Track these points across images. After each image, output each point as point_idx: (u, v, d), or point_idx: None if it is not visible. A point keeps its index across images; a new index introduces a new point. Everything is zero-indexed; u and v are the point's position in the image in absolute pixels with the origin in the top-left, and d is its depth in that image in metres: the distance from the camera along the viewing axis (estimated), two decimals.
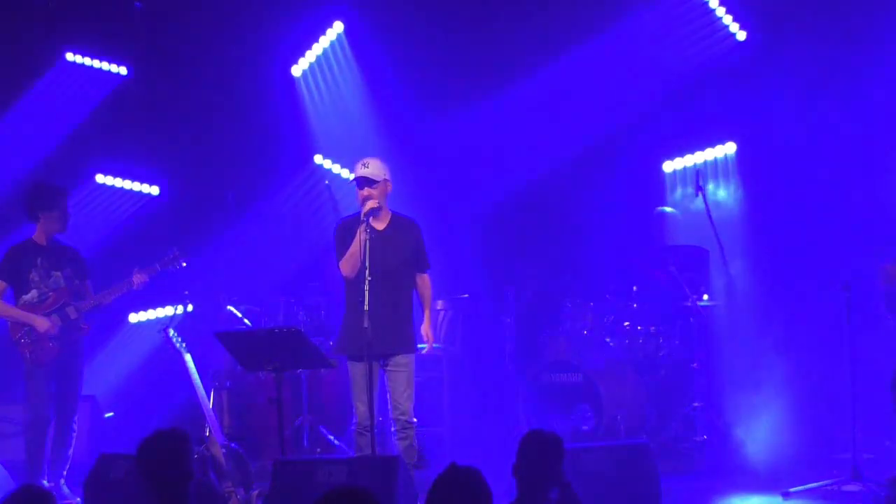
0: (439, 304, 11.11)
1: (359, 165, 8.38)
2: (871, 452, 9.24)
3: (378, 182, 8.34)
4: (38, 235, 9.37)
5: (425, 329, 8.61)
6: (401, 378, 8.37)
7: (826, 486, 8.48)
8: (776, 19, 11.43)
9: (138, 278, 9.35)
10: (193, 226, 12.10)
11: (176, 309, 10.33)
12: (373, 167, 8.36)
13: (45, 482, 9.01)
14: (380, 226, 8.41)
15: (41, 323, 9.16)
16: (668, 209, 11.51)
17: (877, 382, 9.27)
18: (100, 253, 11.53)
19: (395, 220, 8.52)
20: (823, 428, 10.49)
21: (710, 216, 11.24)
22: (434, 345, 8.91)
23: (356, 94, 12.73)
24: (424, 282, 8.64)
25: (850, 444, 8.67)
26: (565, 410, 10.64)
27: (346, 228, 8.38)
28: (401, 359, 8.39)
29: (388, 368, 8.39)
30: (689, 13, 11.78)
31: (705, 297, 10.85)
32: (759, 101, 11.60)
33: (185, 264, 9.48)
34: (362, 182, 8.33)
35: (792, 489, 8.54)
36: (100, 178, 12.19)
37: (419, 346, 8.59)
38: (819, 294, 9.18)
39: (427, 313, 8.67)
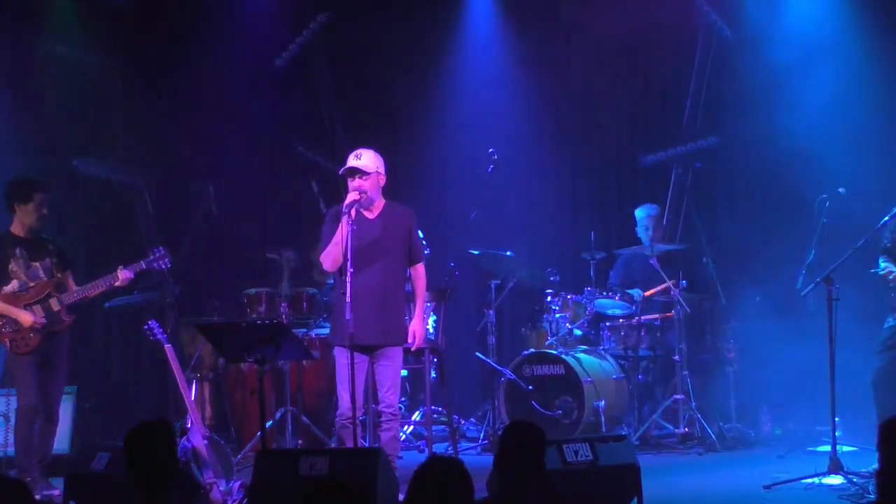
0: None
1: (351, 156, 8.33)
2: (852, 445, 9.27)
3: (370, 174, 8.28)
4: (16, 227, 9.34)
5: (415, 326, 8.50)
6: (388, 371, 8.33)
7: (807, 478, 8.50)
8: (760, 13, 11.47)
9: (123, 275, 9.32)
10: (174, 217, 12.07)
11: (159, 300, 10.34)
12: (365, 158, 8.31)
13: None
14: (370, 215, 8.36)
15: (25, 318, 9.14)
16: (648, 207, 11.49)
17: (858, 376, 9.30)
18: (80, 244, 11.50)
19: (388, 208, 8.44)
20: (804, 421, 10.53)
21: (691, 209, 11.26)
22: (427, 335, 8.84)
23: (341, 84, 12.72)
24: (418, 273, 8.53)
25: (830, 436, 8.69)
26: (547, 402, 10.65)
27: (334, 219, 8.32)
28: (389, 351, 8.34)
29: (376, 360, 8.36)
30: (674, 6, 11.79)
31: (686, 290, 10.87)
32: (741, 95, 11.64)
33: (170, 264, 9.47)
34: (353, 173, 8.29)
35: (772, 482, 8.55)
36: (79, 168, 12.12)
37: (405, 344, 8.52)
38: (801, 287, 9.18)
39: (418, 308, 8.53)
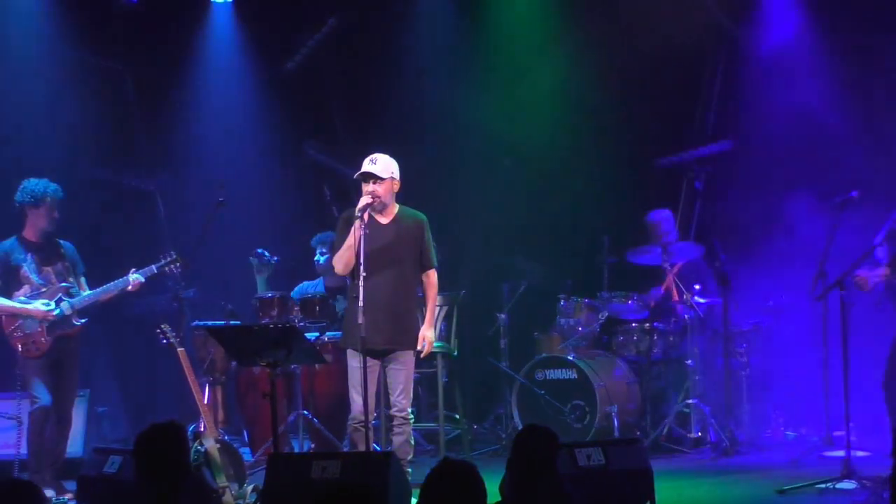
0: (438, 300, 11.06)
1: (367, 161, 8.32)
2: (866, 450, 9.24)
3: (384, 179, 8.27)
4: (28, 231, 9.35)
5: (424, 331, 8.46)
6: (400, 375, 8.32)
7: (820, 483, 8.47)
8: (773, 17, 11.46)
9: (135, 279, 9.32)
10: (185, 220, 12.07)
11: (171, 303, 10.32)
12: (380, 164, 8.30)
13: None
14: (383, 220, 8.36)
15: (37, 311, 9.14)
16: (660, 212, 11.45)
17: (872, 380, 9.27)
18: (92, 247, 11.49)
19: (401, 213, 8.44)
20: (817, 425, 10.50)
21: (704, 212, 11.24)
22: (435, 344, 8.83)
23: (353, 88, 12.72)
24: (429, 279, 8.51)
25: (843, 441, 8.66)
26: (559, 406, 10.63)
27: (347, 223, 8.31)
28: (400, 355, 8.33)
29: (388, 365, 8.35)
30: (687, 10, 11.76)
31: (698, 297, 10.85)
32: (754, 98, 11.62)
33: (180, 268, 9.46)
34: (367, 178, 8.29)
35: (786, 487, 8.52)
36: (93, 171, 12.13)
37: (416, 349, 8.50)
38: (814, 291, 9.16)
39: (429, 314, 8.51)
